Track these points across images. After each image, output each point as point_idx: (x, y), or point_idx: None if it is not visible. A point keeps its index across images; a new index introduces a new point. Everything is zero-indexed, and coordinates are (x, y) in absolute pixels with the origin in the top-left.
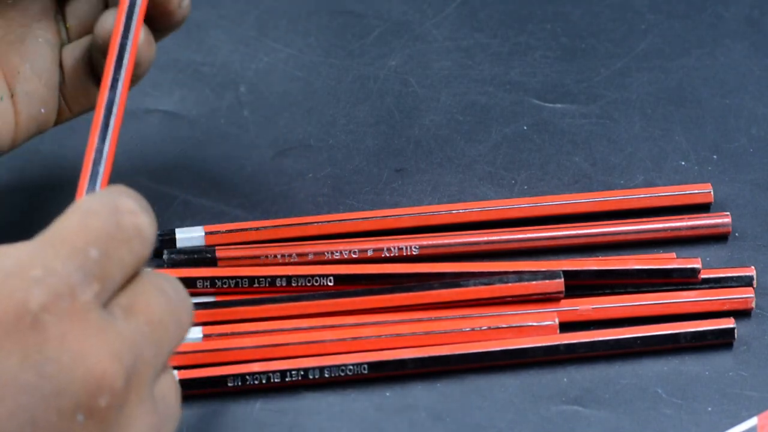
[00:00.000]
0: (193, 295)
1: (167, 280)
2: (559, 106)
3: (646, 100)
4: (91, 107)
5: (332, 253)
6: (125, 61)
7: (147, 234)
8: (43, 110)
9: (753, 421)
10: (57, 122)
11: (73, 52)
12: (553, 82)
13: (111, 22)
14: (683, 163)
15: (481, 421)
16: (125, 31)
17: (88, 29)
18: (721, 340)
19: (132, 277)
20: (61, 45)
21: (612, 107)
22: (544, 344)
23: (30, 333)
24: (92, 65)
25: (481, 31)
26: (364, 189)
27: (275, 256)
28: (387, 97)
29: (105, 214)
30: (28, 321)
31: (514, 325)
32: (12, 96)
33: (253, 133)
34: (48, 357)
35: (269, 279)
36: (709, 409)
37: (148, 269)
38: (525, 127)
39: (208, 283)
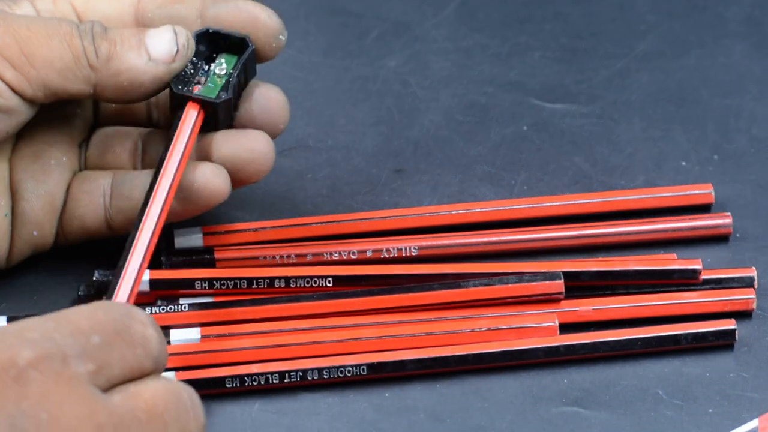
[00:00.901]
0: (191, 296)
1: (188, 392)
2: (558, 106)
3: (646, 101)
4: (86, 240)
5: (331, 254)
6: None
7: (153, 346)
8: (35, 233)
9: (754, 423)
10: (57, 245)
11: (83, 184)
12: (553, 82)
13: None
14: (684, 163)
15: (481, 422)
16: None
17: (105, 161)
18: (722, 342)
19: (137, 378)
20: (75, 171)
21: (612, 108)
22: (544, 345)
23: (12, 385)
24: (104, 209)
25: (481, 31)
26: (363, 189)
27: (274, 257)
28: (386, 98)
29: (116, 314)
30: (12, 374)
31: (514, 326)
32: (12, 214)
33: None
34: (24, 411)
35: (268, 280)
36: (710, 410)
37: (172, 377)
38: (525, 128)
39: (206, 284)
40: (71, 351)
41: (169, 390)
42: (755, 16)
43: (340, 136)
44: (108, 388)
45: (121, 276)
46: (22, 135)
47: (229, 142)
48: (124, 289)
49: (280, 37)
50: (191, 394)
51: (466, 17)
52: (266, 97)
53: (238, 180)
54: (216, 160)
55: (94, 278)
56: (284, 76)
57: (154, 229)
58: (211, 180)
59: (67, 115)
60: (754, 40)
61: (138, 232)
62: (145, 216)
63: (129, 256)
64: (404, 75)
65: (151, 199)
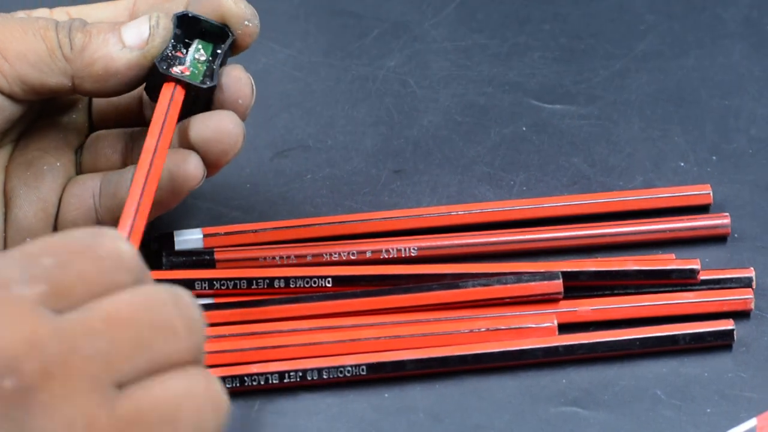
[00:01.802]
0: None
1: (168, 292)
2: (558, 106)
3: (645, 101)
4: None
5: (330, 254)
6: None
7: (126, 258)
8: (28, 239)
9: (752, 422)
10: None
11: (74, 188)
12: (552, 82)
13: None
14: (682, 164)
15: (480, 422)
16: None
17: (98, 164)
18: (721, 342)
19: (108, 293)
20: (71, 177)
21: (611, 108)
22: (543, 346)
23: None
24: (95, 211)
25: (480, 31)
26: (362, 190)
27: (273, 258)
28: (386, 98)
29: (79, 234)
30: None
31: (513, 326)
32: (5, 221)
33: (251, 134)
34: None
35: (267, 281)
36: (708, 410)
37: (154, 284)
38: (524, 128)
39: (206, 285)
40: (13, 275)
41: (141, 295)
42: (753, 16)
43: (339, 136)
44: (70, 306)
45: None
46: (19, 143)
47: (195, 124)
48: None
49: (246, 23)
50: (176, 293)
51: (466, 17)
52: (227, 75)
53: (209, 162)
54: (184, 143)
55: None
56: (284, 76)
57: (138, 208)
58: (182, 166)
59: (62, 121)
60: (752, 41)
61: (124, 212)
62: (130, 195)
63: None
64: (404, 75)
65: (135, 175)
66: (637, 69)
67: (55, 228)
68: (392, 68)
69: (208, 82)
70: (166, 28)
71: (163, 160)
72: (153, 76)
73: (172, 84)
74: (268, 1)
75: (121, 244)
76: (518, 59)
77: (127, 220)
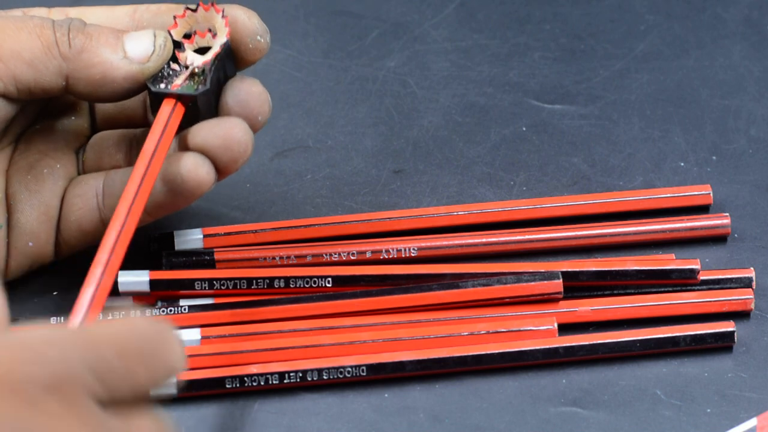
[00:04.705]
0: (191, 296)
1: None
2: (558, 107)
3: (645, 101)
4: (88, 246)
5: (330, 254)
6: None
7: (174, 366)
8: (31, 243)
9: (752, 422)
10: (58, 257)
11: (77, 188)
12: (552, 83)
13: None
14: (682, 164)
15: (480, 423)
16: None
17: (101, 164)
18: (721, 344)
19: (141, 401)
20: (72, 179)
21: (611, 108)
22: (543, 347)
23: (24, 408)
24: (99, 211)
25: (480, 32)
26: (362, 190)
27: (273, 258)
28: (386, 98)
29: (145, 333)
30: (25, 396)
31: (513, 329)
32: (8, 226)
33: None
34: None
35: (267, 281)
36: (708, 410)
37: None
38: (524, 128)
39: (206, 285)
40: (84, 371)
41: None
42: (753, 17)
43: (339, 136)
44: (109, 402)
45: (93, 276)
46: (18, 147)
47: (203, 131)
48: (90, 288)
49: (258, 38)
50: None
51: (466, 18)
52: (243, 90)
53: (218, 168)
54: (192, 149)
55: None
56: (284, 77)
57: (123, 226)
58: (194, 170)
59: (63, 124)
60: (752, 41)
61: (108, 228)
62: (116, 212)
63: (100, 251)
64: (404, 75)
65: (123, 194)
66: (637, 69)
67: (58, 230)
68: (392, 68)
69: (200, 88)
70: (169, 50)
71: (155, 176)
72: (149, 92)
73: (167, 101)
74: (268, 1)
75: (177, 356)
76: (518, 59)
77: (109, 240)
